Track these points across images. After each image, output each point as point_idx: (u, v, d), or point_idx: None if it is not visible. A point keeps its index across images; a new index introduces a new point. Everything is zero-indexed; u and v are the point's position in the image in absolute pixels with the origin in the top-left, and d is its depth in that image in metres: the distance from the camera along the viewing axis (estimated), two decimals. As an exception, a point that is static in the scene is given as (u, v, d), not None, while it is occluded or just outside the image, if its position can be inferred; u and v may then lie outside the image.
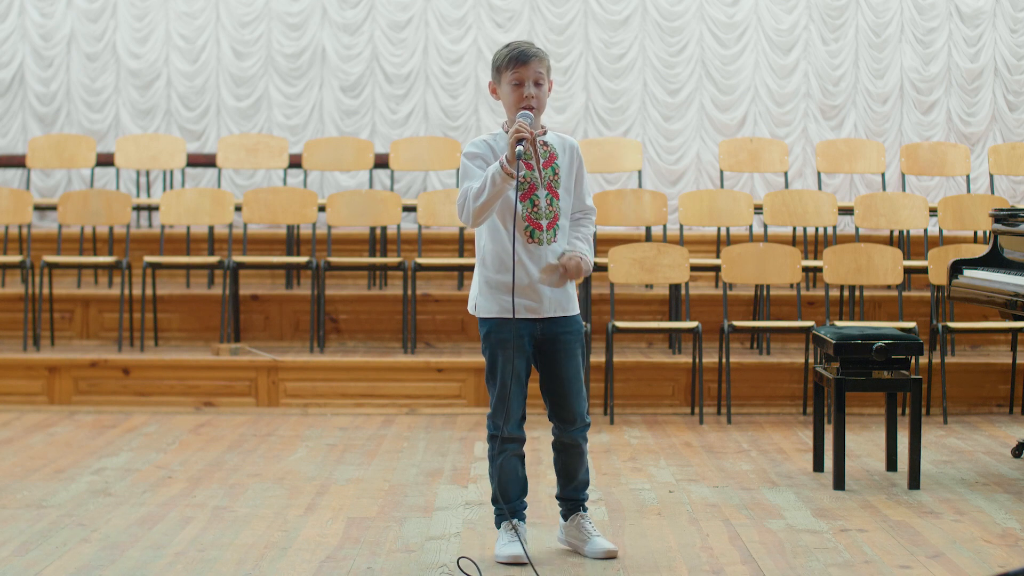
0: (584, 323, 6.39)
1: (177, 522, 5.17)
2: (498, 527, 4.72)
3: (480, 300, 4.64)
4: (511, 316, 4.54)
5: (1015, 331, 7.84)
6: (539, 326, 4.63)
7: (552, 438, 4.77)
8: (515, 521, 4.68)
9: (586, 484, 4.81)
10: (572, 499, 4.78)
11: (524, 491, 4.73)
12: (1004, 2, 11.35)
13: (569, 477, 4.77)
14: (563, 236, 4.64)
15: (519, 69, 4.55)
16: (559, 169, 4.64)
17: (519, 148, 4.38)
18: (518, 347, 4.58)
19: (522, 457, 4.72)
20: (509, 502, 4.68)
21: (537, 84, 4.56)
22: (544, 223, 4.59)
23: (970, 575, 4.51)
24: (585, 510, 4.79)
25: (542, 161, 4.62)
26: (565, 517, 4.80)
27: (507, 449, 4.65)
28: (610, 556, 4.69)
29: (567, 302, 4.66)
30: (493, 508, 4.75)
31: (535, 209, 4.58)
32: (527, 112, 4.50)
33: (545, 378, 4.69)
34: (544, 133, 4.64)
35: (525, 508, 4.75)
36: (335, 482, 5.91)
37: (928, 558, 4.71)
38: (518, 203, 4.53)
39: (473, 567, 4.51)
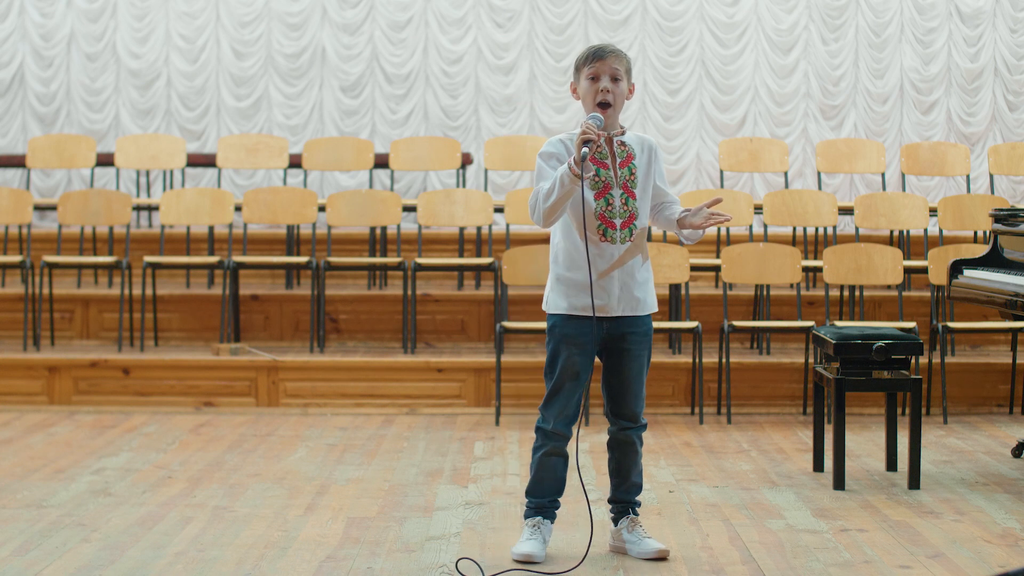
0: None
1: (177, 522, 5.17)
2: (526, 519, 4.70)
3: (551, 296, 4.64)
4: (578, 314, 4.54)
5: (1015, 331, 7.84)
6: (606, 325, 4.60)
7: (607, 437, 4.75)
8: (539, 519, 4.65)
9: (639, 488, 4.76)
10: (624, 501, 4.75)
11: (559, 492, 4.69)
12: (1004, 2, 11.36)
13: (623, 477, 4.74)
14: (640, 236, 4.62)
15: (595, 64, 4.55)
16: (636, 169, 4.62)
17: (584, 150, 4.36)
18: (580, 344, 4.57)
19: (565, 457, 4.67)
20: (540, 498, 4.66)
21: (614, 80, 4.55)
22: (618, 222, 4.57)
23: (970, 575, 4.51)
24: (637, 513, 4.76)
25: (619, 160, 4.60)
26: (616, 521, 4.76)
27: (549, 444, 4.62)
28: (661, 556, 4.65)
29: (637, 303, 4.62)
30: (525, 500, 4.72)
31: (609, 208, 4.56)
32: (597, 114, 4.50)
33: (607, 373, 4.67)
34: (622, 133, 4.63)
35: (557, 508, 4.71)
36: (335, 482, 5.91)
37: (928, 558, 4.71)
38: (585, 203, 4.51)
39: (474, 567, 4.51)
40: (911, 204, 8.74)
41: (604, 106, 4.53)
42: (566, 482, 4.73)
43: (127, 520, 5.19)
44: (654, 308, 4.68)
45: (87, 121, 11.34)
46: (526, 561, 4.56)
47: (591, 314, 4.52)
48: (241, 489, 5.75)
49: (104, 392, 7.84)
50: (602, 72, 4.54)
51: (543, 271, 7.04)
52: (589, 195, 4.53)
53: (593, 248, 4.53)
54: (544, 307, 4.68)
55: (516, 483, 5.88)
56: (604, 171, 4.57)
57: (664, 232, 9.07)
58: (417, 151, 9.74)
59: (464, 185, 10.05)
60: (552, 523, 4.70)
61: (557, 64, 11.29)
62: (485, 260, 8.42)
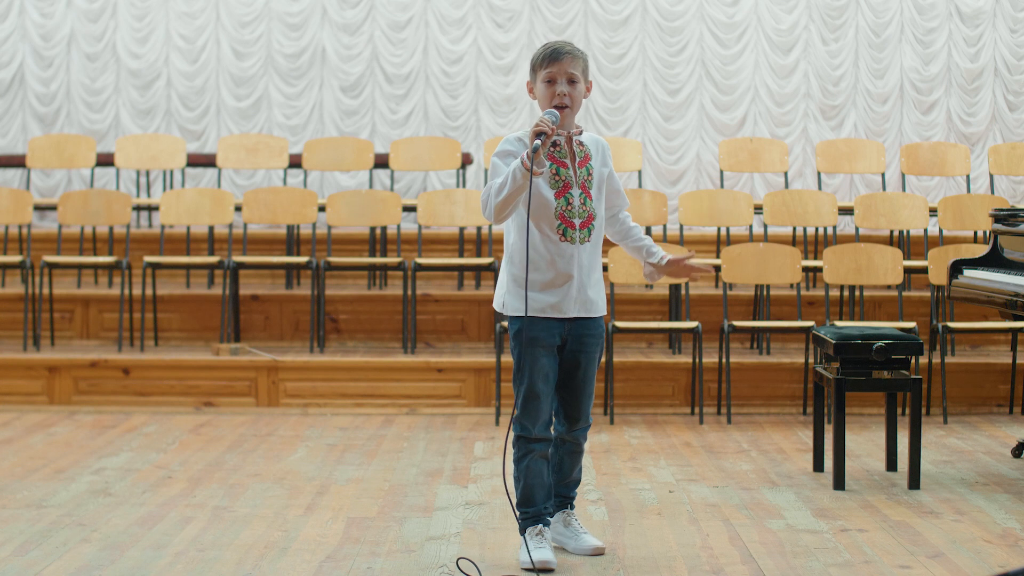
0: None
1: (177, 522, 5.17)
2: (522, 533, 4.62)
3: (508, 298, 4.58)
4: (541, 315, 4.51)
5: (1015, 331, 7.84)
6: (566, 326, 4.59)
7: (553, 434, 4.75)
8: (540, 527, 4.61)
9: (577, 482, 4.79)
10: (562, 496, 4.76)
11: (549, 496, 4.66)
12: (1004, 2, 11.36)
13: (563, 475, 4.75)
14: (597, 236, 4.60)
15: (552, 66, 4.51)
16: (592, 170, 4.61)
17: (536, 143, 4.33)
18: (548, 346, 4.55)
19: (548, 460, 4.65)
20: (534, 506, 4.62)
21: (571, 82, 4.52)
22: (577, 222, 4.54)
23: (970, 575, 4.51)
24: (573, 507, 4.78)
25: (577, 160, 4.58)
26: (552, 514, 4.77)
27: (534, 451, 4.57)
28: (597, 553, 4.67)
29: (592, 304, 4.60)
30: (517, 513, 4.65)
31: (569, 207, 4.54)
32: (552, 110, 4.46)
33: (561, 376, 4.65)
34: (580, 132, 4.61)
35: (550, 513, 4.68)
36: (335, 482, 5.91)
37: (928, 558, 4.71)
38: (546, 201, 4.51)
39: (473, 567, 4.51)
40: (911, 204, 8.74)
41: (560, 108, 4.51)
42: (552, 485, 4.71)
43: (127, 520, 5.19)
44: (603, 311, 4.66)
45: (87, 121, 11.34)
46: (544, 569, 4.48)
47: (552, 315, 4.53)
48: (241, 489, 5.75)
49: (104, 392, 7.84)
50: (558, 75, 4.51)
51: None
52: (549, 194, 4.50)
53: (553, 247, 4.52)
54: (500, 309, 4.62)
55: (516, 483, 5.88)
56: (564, 170, 4.55)
57: (664, 232, 9.07)
58: (417, 151, 9.74)
59: (464, 185, 10.05)
60: (549, 527, 4.68)
61: (557, 64, 11.27)
62: (485, 260, 8.42)
